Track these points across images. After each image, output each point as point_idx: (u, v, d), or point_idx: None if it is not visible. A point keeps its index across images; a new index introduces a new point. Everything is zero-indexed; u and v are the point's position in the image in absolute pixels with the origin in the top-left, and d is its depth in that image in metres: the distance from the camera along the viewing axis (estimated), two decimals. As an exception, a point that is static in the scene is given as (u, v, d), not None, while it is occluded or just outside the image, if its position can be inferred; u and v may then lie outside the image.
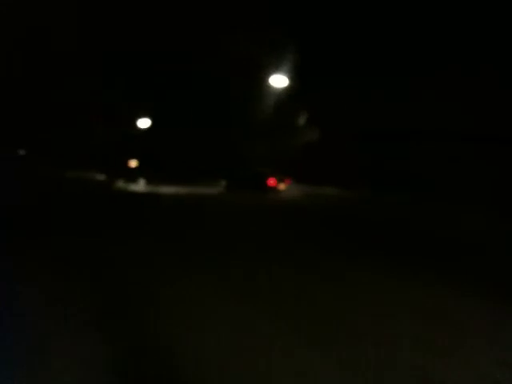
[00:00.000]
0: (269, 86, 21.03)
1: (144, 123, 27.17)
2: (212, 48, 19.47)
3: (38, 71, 17.84)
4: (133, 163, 27.90)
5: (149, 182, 24.01)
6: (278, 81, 20.69)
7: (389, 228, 9.54)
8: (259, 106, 21.72)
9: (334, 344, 3.09)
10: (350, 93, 18.32)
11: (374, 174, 18.85)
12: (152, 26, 18.17)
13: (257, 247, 6.64)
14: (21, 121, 19.23)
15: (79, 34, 17.56)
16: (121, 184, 22.48)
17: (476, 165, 15.49)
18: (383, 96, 18.04)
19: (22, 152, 22.71)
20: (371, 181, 18.68)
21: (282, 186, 19.86)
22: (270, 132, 22.72)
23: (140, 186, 22.65)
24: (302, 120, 22.33)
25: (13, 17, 14.17)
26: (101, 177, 24.39)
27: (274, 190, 19.27)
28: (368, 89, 18.12)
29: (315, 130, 21.93)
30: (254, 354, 2.89)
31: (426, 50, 16.66)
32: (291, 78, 20.28)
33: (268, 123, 22.09)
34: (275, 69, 20.12)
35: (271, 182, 19.38)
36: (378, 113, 18.57)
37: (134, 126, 27.30)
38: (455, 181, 15.61)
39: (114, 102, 23.96)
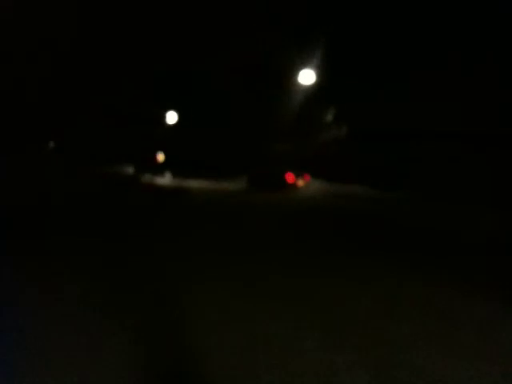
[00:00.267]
0: (296, 83, 20.89)
1: (171, 118, 27.48)
2: (239, 45, 19.46)
3: (70, 70, 17.92)
4: (160, 157, 28.49)
5: (174, 176, 24.53)
6: (306, 77, 20.51)
7: (394, 228, 9.54)
8: (286, 103, 21.65)
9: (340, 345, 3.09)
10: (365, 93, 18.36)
11: (389, 173, 18.86)
12: (178, 25, 18.24)
13: (258, 247, 6.66)
14: (52, 114, 19.24)
15: (111, 36, 17.67)
16: (148, 177, 22.80)
17: (476, 165, 15.49)
18: (388, 97, 18.06)
19: (51, 144, 22.73)
20: (387, 180, 18.68)
21: (300, 183, 20.01)
22: (296, 129, 22.71)
23: (166, 179, 23.04)
24: (329, 117, 22.26)
25: (49, 17, 14.39)
26: (129, 170, 24.67)
27: (291, 186, 19.42)
28: (373, 89, 18.17)
29: (343, 127, 21.88)
30: (254, 354, 2.89)
31: (426, 51, 16.66)
32: (319, 75, 20.09)
33: (295, 120, 22.06)
34: (303, 65, 19.99)
35: (289, 179, 19.54)
36: (383, 113, 18.61)
37: (162, 121, 27.62)
38: (455, 181, 15.62)
39: (141, 98, 24.13)
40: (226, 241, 7.09)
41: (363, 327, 3.42)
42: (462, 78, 15.50)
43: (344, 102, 20.50)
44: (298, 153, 22.76)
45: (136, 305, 3.76)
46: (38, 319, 3.34)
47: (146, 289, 4.25)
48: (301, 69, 19.98)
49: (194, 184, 20.04)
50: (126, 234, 7.27)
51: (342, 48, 18.26)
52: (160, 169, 26.81)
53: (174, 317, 3.53)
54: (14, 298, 3.77)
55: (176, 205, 12.63)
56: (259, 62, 20.13)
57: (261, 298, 4.08)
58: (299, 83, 20.72)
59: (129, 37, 18.16)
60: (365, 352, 2.96)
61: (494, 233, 9.11)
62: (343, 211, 12.79)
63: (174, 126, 27.71)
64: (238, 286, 4.43)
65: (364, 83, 18.34)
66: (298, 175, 19.97)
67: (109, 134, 23.72)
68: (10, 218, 8.37)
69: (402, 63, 17.28)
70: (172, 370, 2.69)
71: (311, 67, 19.70)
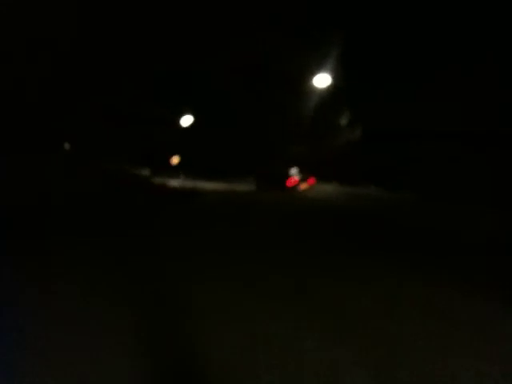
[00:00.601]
0: (311, 86, 20.79)
1: (186, 121, 27.75)
2: (252, 47, 19.42)
3: (70, 70, 17.88)
4: (175, 160, 28.97)
5: (187, 177, 24.88)
6: (321, 80, 20.40)
7: (394, 228, 9.53)
8: (299, 106, 21.55)
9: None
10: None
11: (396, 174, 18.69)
12: (191, 26, 18.25)
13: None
14: (66, 115, 19.12)
15: (122, 36, 17.68)
16: (161, 179, 23.06)
17: (476, 165, 15.50)
18: (388, 97, 18.05)
19: (66, 146, 22.63)
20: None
21: (303, 186, 19.89)
22: (309, 132, 22.63)
23: (179, 181, 23.32)
24: (343, 120, 22.18)
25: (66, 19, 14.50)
26: (145, 172, 24.91)
27: (293, 189, 19.36)
28: (373, 89, 18.17)
29: (357, 129, 21.78)
30: (254, 354, 2.89)
31: (426, 51, 16.67)
32: (334, 78, 19.96)
33: (308, 123, 21.98)
34: (318, 68, 19.89)
35: (290, 182, 19.53)
36: (383, 113, 18.61)
37: (177, 124, 27.79)
38: (455, 181, 15.63)
39: (156, 100, 24.18)
40: (226, 241, 7.09)
41: (363, 327, 3.42)
42: (461, 77, 15.50)
43: (350, 103, 20.48)
44: (311, 155, 22.73)
45: (136, 304, 3.76)
46: (38, 319, 3.34)
47: (146, 289, 4.25)
48: (313, 72, 19.93)
49: (206, 185, 20.21)
50: (130, 234, 7.27)
51: (345, 48, 18.25)
52: (174, 171, 27.39)
53: (174, 317, 3.53)
54: (14, 298, 3.77)
55: (185, 206, 12.72)
56: (268, 64, 20.15)
57: (261, 297, 4.08)
58: (313, 86, 20.66)
59: (129, 37, 18.17)
60: (365, 352, 2.96)
61: (494, 233, 9.11)
62: (342, 214, 12.78)
63: (189, 128, 27.94)
64: (238, 286, 4.43)
65: (364, 83, 18.35)
66: (302, 178, 19.89)
67: (119, 136, 23.66)
68: (10, 217, 8.37)
69: (402, 63, 17.28)
70: (172, 370, 2.69)
71: (323, 70, 19.62)
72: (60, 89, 16.88)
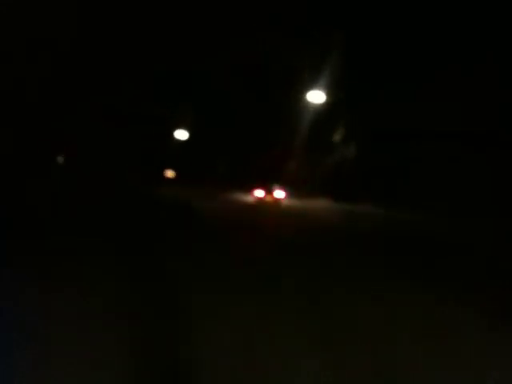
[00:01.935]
0: (304, 102, 20.82)
1: (181, 135, 28.03)
2: (252, 47, 19.40)
3: (78, 81, 17.84)
4: (169, 174, 29.24)
5: (179, 187, 25.01)
6: (315, 97, 20.41)
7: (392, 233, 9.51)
8: (294, 122, 21.50)
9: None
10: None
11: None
12: (191, 26, 18.25)
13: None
14: (55, 120, 19.02)
15: (119, 44, 17.65)
16: (152, 189, 23.19)
17: (476, 165, 15.49)
18: (388, 97, 17.98)
19: (60, 160, 22.54)
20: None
21: (268, 199, 19.58)
22: (304, 148, 22.51)
23: (171, 191, 23.43)
24: (337, 136, 22.01)
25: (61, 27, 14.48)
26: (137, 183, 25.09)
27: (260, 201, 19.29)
28: (373, 89, 18.09)
29: (352, 146, 21.62)
30: (254, 354, 2.89)
31: (426, 51, 16.65)
32: (328, 94, 19.94)
33: (303, 139, 21.88)
34: (311, 84, 19.93)
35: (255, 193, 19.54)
36: (383, 113, 18.53)
37: (172, 137, 27.99)
38: (456, 182, 15.61)
39: (152, 113, 24.26)
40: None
41: (363, 328, 3.42)
42: (461, 77, 15.48)
43: (349, 105, 20.32)
44: (304, 168, 22.54)
45: (136, 304, 3.76)
46: (38, 319, 3.34)
47: (146, 288, 4.25)
48: (312, 87, 19.92)
49: (199, 196, 20.12)
50: (129, 235, 7.27)
51: (345, 48, 18.19)
52: (168, 183, 27.68)
53: (174, 317, 3.53)
54: (14, 298, 3.77)
55: (174, 216, 12.28)
56: (268, 64, 20.15)
57: (261, 300, 4.08)
58: (309, 102, 20.65)
59: (129, 37, 18.14)
60: (365, 353, 2.96)
61: (493, 234, 9.09)
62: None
63: (184, 142, 28.13)
64: (238, 288, 4.43)
65: (364, 83, 18.31)
66: (267, 192, 19.62)
67: (118, 138, 23.58)
68: (10, 218, 8.37)
69: (402, 63, 17.26)
70: (172, 370, 2.68)
71: (321, 85, 19.61)
72: (60, 89, 16.86)
